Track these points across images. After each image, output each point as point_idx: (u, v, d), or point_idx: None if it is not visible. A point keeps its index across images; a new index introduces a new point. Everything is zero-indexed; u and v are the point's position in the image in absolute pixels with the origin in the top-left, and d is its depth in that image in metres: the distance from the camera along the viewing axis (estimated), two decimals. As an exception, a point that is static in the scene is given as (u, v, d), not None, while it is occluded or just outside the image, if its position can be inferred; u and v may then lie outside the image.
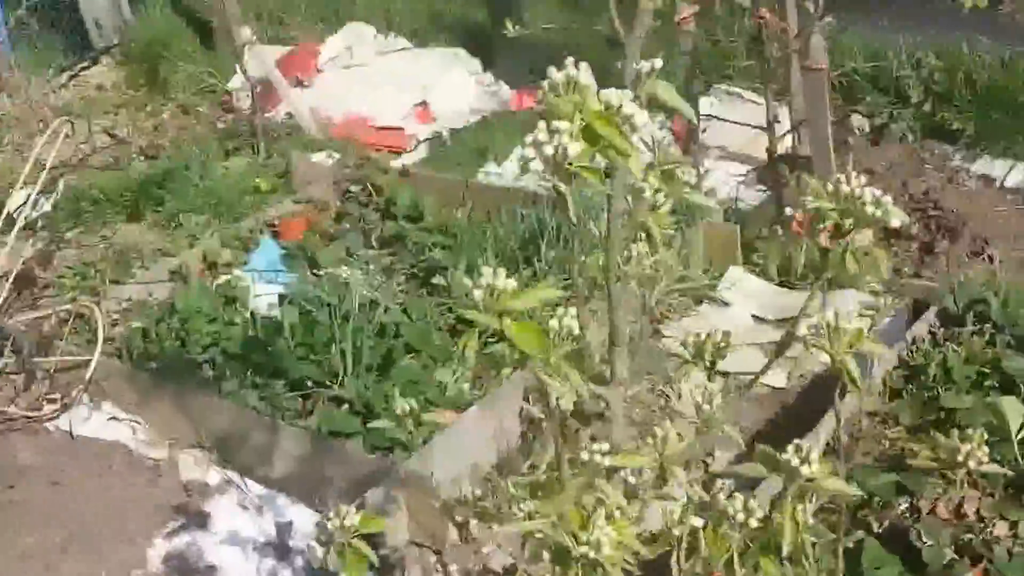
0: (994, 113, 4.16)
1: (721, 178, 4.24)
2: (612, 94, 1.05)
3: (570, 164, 1.02)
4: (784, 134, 3.62)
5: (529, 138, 1.02)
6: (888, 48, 4.52)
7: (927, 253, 3.68)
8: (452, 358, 3.39)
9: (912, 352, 3.05)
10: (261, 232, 4.38)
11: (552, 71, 1.06)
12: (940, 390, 2.86)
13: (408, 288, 3.81)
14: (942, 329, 3.08)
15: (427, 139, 5.28)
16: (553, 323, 1.08)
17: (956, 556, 2.35)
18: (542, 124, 1.02)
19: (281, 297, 3.82)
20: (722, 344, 1.47)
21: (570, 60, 1.06)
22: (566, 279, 3.43)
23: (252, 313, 3.67)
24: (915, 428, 2.83)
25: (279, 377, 3.31)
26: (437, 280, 3.62)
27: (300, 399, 3.26)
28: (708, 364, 1.49)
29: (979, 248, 3.62)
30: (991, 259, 3.57)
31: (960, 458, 1.30)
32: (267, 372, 3.33)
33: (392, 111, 5.48)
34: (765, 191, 4.04)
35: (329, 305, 3.53)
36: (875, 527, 2.50)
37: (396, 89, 5.59)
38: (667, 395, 3.00)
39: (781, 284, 3.63)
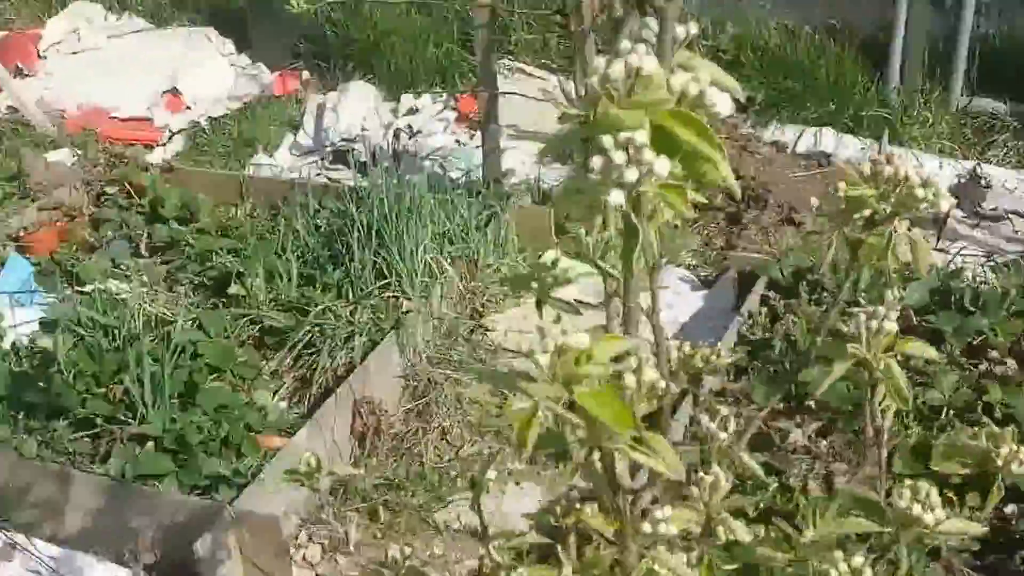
0: (783, 80, 4.23)
1: (519, 157, 4.06)
2: (686, 80, 0.81)
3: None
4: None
5: (597, 162, 0.76)
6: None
7: (734, 223, 3.66)
8: (262, 375, 3.06)
9: (751, 326, 3.00)
10: (4, 247, 3.80)
11: (599, 62, 0.76)
12: (786, 364, 2.82)
13: (197, 300, 3.40)
14: (781, 301, 3.04)
15: (182, 130, 4.80)
16: (629, 379, 0.84)
17: (844, 536, 2.29)
18: (607, 140, 0.75)
19: (44, 323, 3.32)
20: (712, 357, 1.28)
21: (626, 44, 0.79)
22: (385, 281, 3.15)
23: (14, 345, 3.17)
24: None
25: (59, 417, 2.87)
26: (234, 289, 3.24)
27: (91, 440, 2.83)
28: (691, 379, 1.29)
29: (787, 215, 3.63)
30: (799, 225, 3.59)
31: (1000, 462, 1.17)
32: (44, 413, 2.89)
33: (136, 100, 4.95)
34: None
35: (107, 327, 3.09)
36: (751, 512, 2.41)
37: (138, 75, 5.06)
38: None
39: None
